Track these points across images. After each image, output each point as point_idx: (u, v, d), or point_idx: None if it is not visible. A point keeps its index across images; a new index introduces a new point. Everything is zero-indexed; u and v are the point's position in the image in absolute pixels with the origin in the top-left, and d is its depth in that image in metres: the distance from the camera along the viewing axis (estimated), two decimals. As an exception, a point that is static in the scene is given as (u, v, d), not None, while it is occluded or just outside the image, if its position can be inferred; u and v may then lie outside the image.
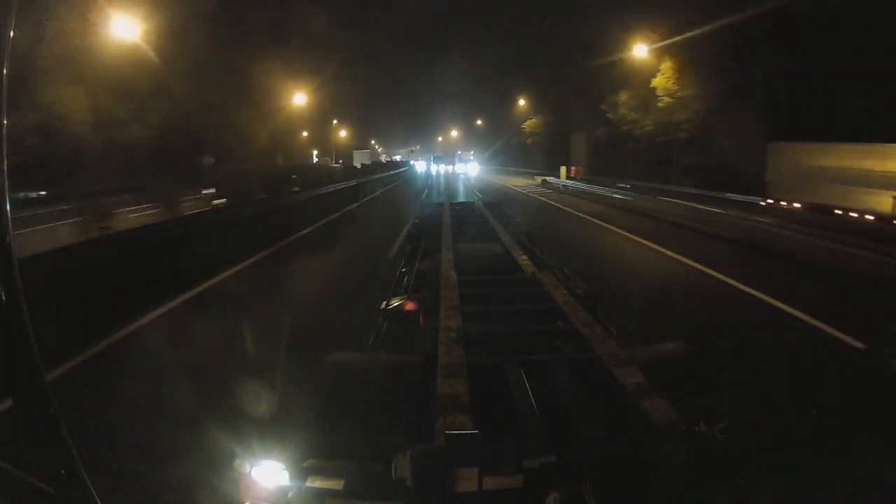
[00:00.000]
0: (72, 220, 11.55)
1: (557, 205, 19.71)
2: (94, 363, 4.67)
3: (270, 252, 10.02)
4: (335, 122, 45.86)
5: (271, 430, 2.76)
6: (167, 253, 7.54)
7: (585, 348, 1.62)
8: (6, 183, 0.65)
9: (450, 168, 55.47)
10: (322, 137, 40.30)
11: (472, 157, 64.68)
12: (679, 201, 17.73)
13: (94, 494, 0.68)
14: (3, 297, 0.62)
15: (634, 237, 11.85)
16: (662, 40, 19.70)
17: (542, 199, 22.67)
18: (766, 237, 11.16)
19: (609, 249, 11.08)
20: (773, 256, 9.54)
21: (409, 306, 2.54)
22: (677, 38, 18.67)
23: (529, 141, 45.48)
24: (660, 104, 20.76)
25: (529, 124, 45.01)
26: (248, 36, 18.67)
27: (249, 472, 1.13)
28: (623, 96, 23.44)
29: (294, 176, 22.22)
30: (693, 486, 1.07)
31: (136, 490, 2.66)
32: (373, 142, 74.08)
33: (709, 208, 15.74)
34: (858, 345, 4.88)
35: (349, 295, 6.65)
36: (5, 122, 0.66)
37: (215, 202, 16.11)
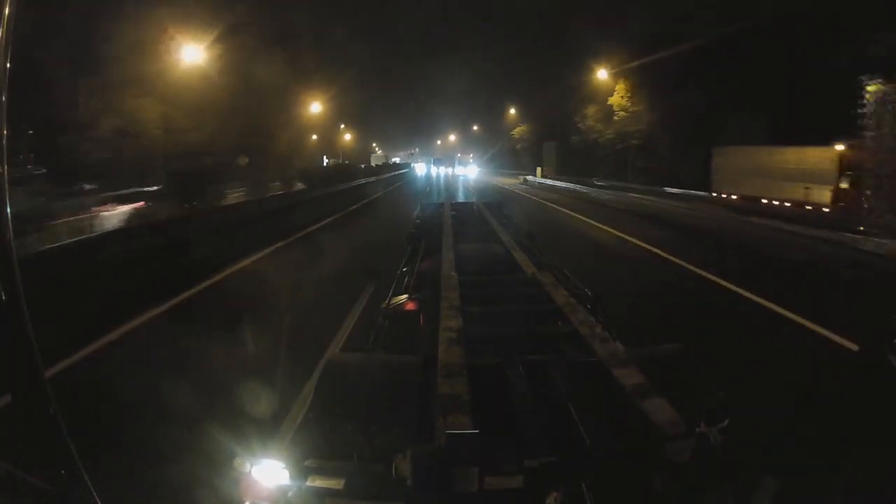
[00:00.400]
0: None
1: (525, 194, 27.95)
2: (269, 258, 9.71)
3: (351, 210, 19.01)
4: (341, 125, 48.97)
5: (271, 430, 2.77)
6: (285, 211, 15.42)
7: (585, 349, 1.62)
8: (6, 183, 0.65)
9: (449, 170, 58.30)
10: (325, 140, 42.03)
11: (471, 160, 67.66)
12: (624, 193, 22.78)
13: (94, 494, 0.68)
14: (3, 298, 0.62)
15: (567, 211, 18.53)
16: (617, 66, 25.60)
17: (517, 191, 31.12)
18: (691, 219, 15.23)
19: (548, 220, 16.53)
20: (679, 229, 13.70)
21: (410, 306, 2.54)
22: (626, 66, 24.71)
23: (518, 146, 52.00)
24: (616, 118, 26.61)
25: (518, 131, 51.91)
26: (272, 50, 21.47)
27: (250, 472, 1.13)
28: (591, 110, 29.17)
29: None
30: (693, 486, 1.07)
31: (136, 490, 2.66)
32: (374, 144, 76.22)
33: (637, 195, 21.23)
34: (700, 272, 8.39)
35: (403, 214, 11.64)
36: (5, 120, 0.66)
37: (298, 185, 25.55)
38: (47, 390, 0.65)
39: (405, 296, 2.66)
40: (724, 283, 7.60)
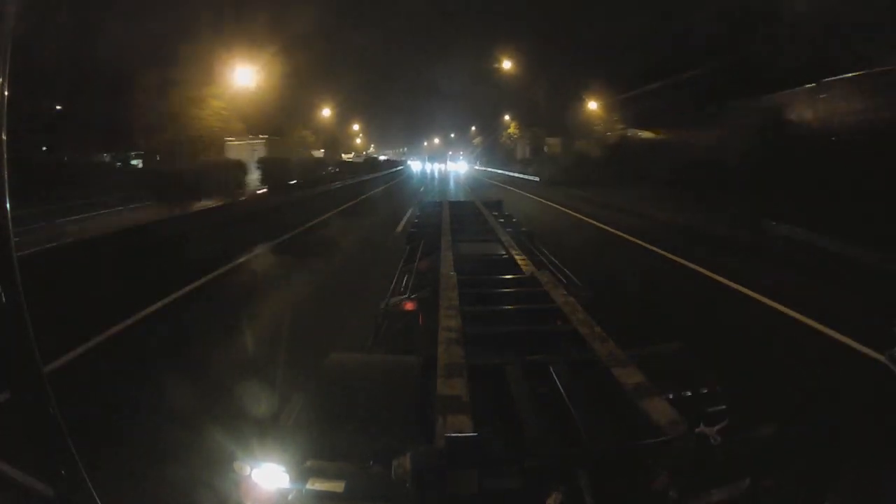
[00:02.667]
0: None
1: (493, 180, 38.33)
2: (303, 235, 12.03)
3: (380, 190, 28.01)
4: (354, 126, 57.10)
5: (271, 432, 2.76)
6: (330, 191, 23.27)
7: (585, 348, 1.62)
8: (6, 183, 0.65)
9: (442, 166, 66.93)
10: (322, 136, 44.66)
11: (461, 157, 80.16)
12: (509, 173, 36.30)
13: (94, 494, 0.68)
14: (3, 298, 0.62)
15: (527, 193, 23.91)
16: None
17: (490, 180, 40.65)
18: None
19: (508, 197, 17.86)
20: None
21: (409, 306, 2.54)
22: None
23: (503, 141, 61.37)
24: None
25: (510, 131, 58.15)
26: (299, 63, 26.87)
27: (249, 475, 1.13)
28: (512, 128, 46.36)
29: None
30: (693, 486, 1.07)
31: (136, 490, 2.65)
32: (357, 142, 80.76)
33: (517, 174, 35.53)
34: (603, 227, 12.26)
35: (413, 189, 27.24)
36: (5, 122, 0.66)
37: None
38: (47, 390, 0.65)
39: (404, 296, 2.66)
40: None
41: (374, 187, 29.85)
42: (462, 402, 1.25)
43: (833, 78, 11.96)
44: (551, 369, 1.48)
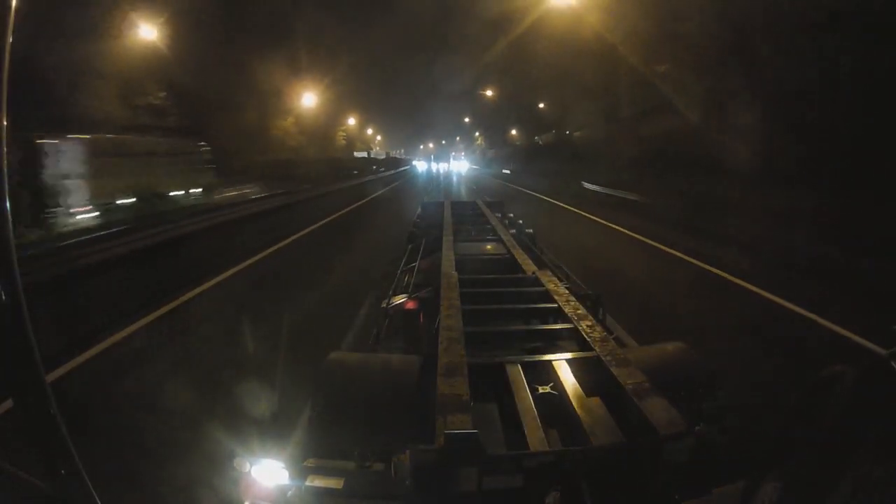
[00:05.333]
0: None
1: (480, 174, 47.20)
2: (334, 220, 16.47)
3: (399, 183, 37.89)
4: (350, 121, 63.31)
5: (271, 429, 2.77)
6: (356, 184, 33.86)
7: (585, 348, 1.62)
8: (6, 183, 0.65)
9: (445, 165, 77.03)
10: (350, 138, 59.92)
11: (462, 157, 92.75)
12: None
13: (94, 494, 0.68)
14: (3, 298, 0.62)
15: (509, 183, 32.45)
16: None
17: (478, 173, 49.64)
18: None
19: (490, 184, 32.51)
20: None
21: (410, 305, 2.54)
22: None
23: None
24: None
25: (478, 142, 72.14)
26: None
27: (249, 472, 1.13)
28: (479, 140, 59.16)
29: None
30: (693, 486, 1.06)
31: (136, 489, 2.66)
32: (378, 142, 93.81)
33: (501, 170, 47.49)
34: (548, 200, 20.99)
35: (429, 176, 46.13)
36: (5, 122, 0.66)
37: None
38: (47, 390, 0.65)
39: (405, 295, 2.66)
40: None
41: (405, 175, 47.90)
42: (462, 401, 1.25)
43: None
44: (552, 368, 1.48)
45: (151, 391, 4.10)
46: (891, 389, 0.85)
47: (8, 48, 0.64)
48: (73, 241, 9.59)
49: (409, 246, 4.02)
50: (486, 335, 1.79)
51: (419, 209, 5.74)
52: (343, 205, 19.36)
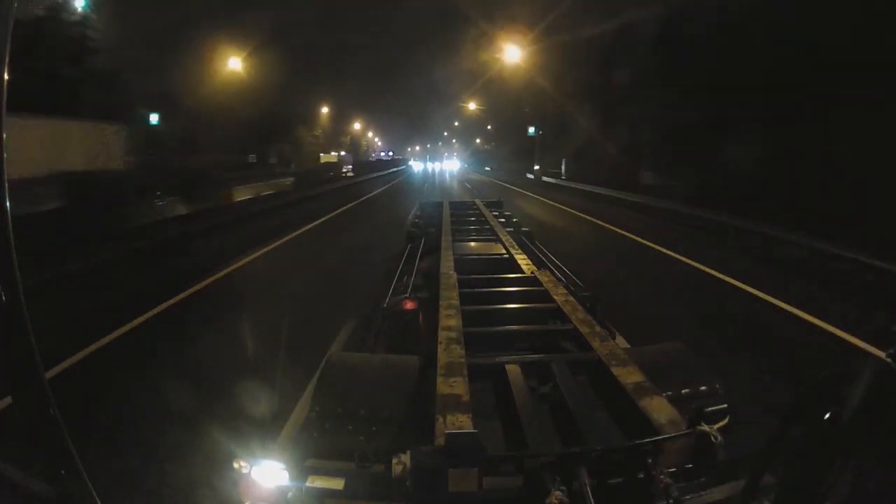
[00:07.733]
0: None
1: (467, 171, 57.74)
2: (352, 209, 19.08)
3: (400, 179, 40.25)
4: (354, 125, 73.23)
5: (271, 430, 2.76)
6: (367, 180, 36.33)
7: (585, 348, 1.62)
8: (6, 182, 0.65)
9: (439, 164, 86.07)
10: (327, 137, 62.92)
11: (454, 157, 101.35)
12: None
13: (94, 494, 0.68)
14: (3, 298, 0.62)
15: (494, 180, 38.48)
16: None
17: (465, 171, 57.10)
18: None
19: (471, 177, 43.71)
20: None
21: (409, 306, 2.54)
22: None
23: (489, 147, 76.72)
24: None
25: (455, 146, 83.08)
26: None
27: (249, 472, 1.13)
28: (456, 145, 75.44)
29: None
30: (693, 485, 1.07)
31: (135, 489, 2.66)
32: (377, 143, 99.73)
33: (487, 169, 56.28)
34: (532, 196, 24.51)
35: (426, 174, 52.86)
36: (4, 121, 0.66)
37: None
38: (47, 390, 0.65)
39: (405, 295, 2.66)
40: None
41: (406, 173, 52.77)
42: (462, 401, 1.25)
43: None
44: (551, 368, 1.48)
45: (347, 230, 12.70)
46: (891, 391, 0.84)
47: (8, 48, 0.64)
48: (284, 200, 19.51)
49: (409, 246, 4.02)
50: (486, 335, 1.79)
51: (418, 209, 5.74)
52: (375, 187, 28.34)
